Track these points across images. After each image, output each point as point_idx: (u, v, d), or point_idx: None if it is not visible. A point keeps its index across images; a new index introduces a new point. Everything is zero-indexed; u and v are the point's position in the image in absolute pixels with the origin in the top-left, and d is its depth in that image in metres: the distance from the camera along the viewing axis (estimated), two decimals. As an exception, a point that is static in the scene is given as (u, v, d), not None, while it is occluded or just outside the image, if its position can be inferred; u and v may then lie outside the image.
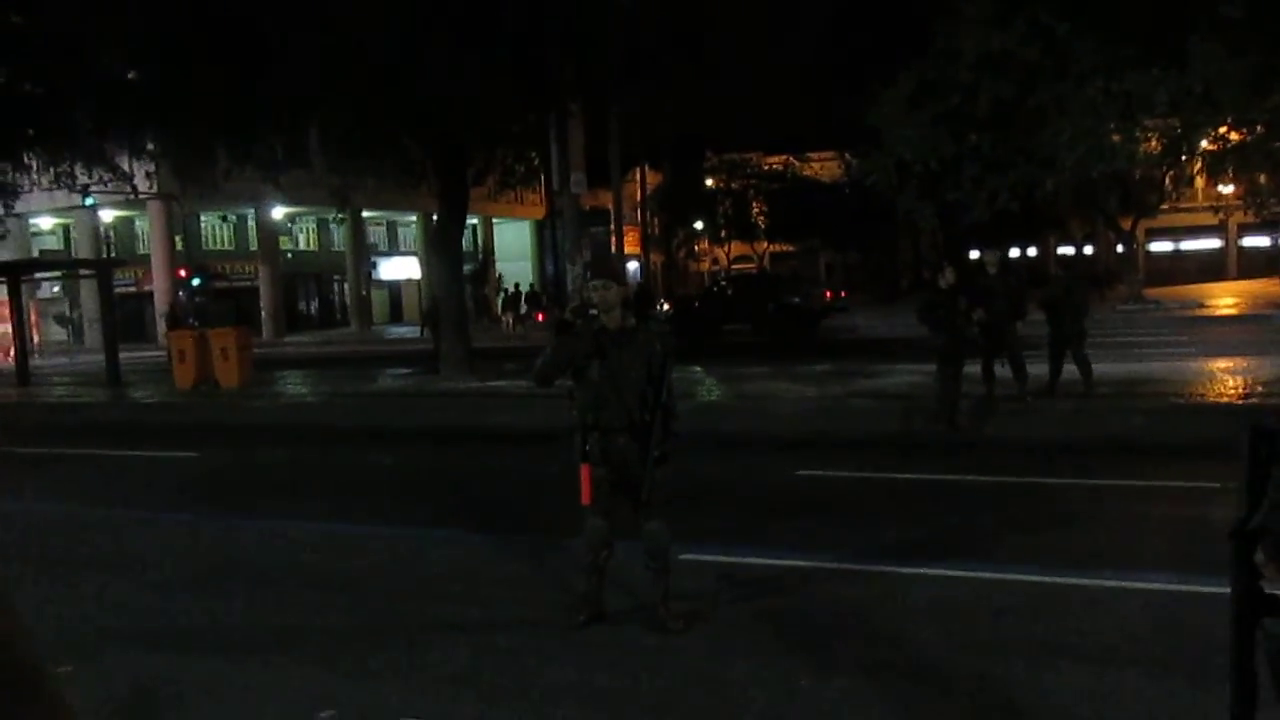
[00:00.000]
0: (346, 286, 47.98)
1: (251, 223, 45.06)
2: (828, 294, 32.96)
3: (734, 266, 56.45)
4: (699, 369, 18.55)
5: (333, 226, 47.24)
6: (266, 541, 7.63)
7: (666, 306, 36.15)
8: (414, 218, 48.78)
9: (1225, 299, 34.68)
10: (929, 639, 5.08)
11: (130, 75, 18.34)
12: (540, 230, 51.81)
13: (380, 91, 15.76)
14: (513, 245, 54.50)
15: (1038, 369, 12.54)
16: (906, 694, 4.44)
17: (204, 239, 45.51)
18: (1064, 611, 5.37)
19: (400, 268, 52.08)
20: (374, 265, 49.34)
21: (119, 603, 6.22)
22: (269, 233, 43.80)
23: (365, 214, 45.46)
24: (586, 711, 4.39)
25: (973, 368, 11.57)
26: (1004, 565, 6.16)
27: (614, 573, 5.50)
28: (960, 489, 8.59)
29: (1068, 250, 54.11)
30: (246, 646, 5.37)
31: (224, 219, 46.09)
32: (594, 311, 5.28)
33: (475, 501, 8.84)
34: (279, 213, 43.40)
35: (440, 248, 19.68)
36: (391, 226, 53.33)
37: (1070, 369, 12.46)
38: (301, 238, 50.60)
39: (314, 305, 50.72)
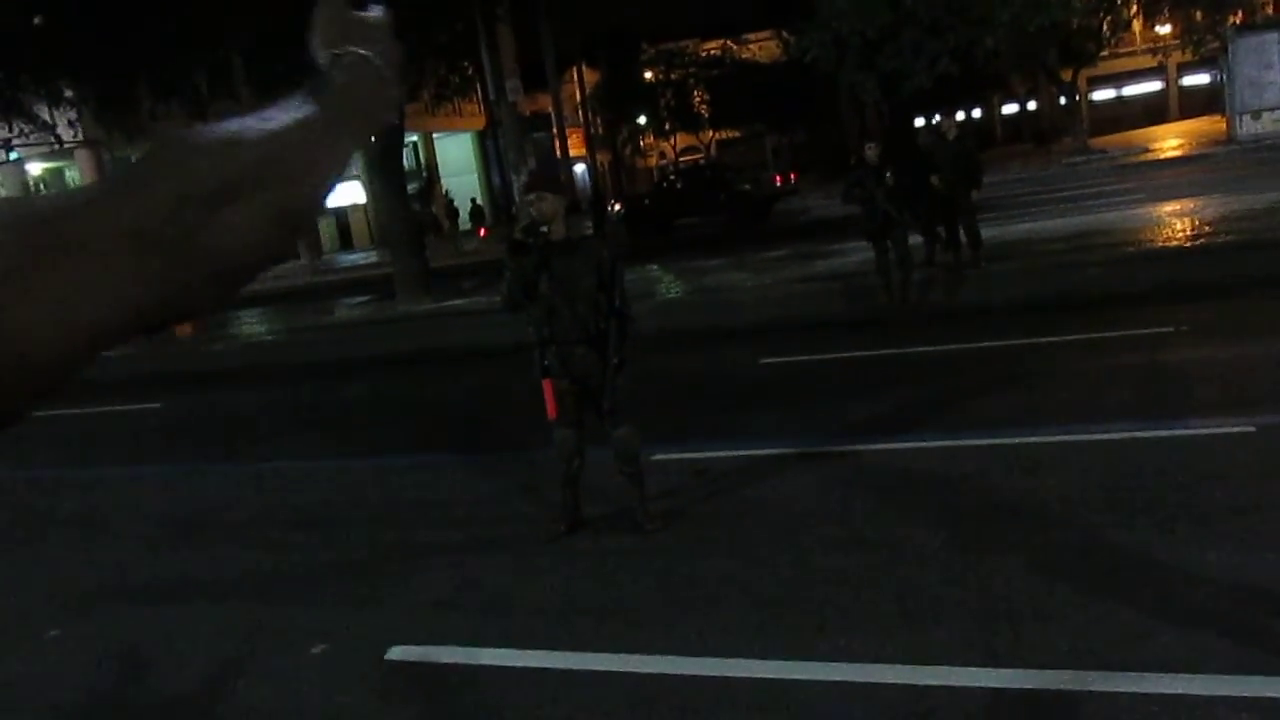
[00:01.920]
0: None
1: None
2: (777, 178, 32.75)
3: (682, 158, 55.86)
4: (655, 266, 18.51)
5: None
6: (240, 486, 7.61)
7: (618, 206, 35.85)
8: (351, 141, 47.61)
9: (1170, 141, 34.83)
10: (902, 511, 5.19)
11: (35, 20, 17.56)
12: (483, 142, 50.86)
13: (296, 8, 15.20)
14: (457, 159, 53.48)
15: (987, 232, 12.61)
16: (886, 570, 4.54)
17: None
18: (1030, 469, 5.50)
19: (344, 194, 50.94)
20: (317, 194, 48.31)
21: (101, 561, 6.21)
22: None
23: (301, 140, 44.35)
24: (573, 621, 4.48)
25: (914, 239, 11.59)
26: (967, 432, 6.27)
27: (590, 480, 5.55)
28: (921, 361, 8.69)
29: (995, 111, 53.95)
30: (232, 591, 5.40)
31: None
32: (544, 228, 5.22)
33: (444, 424, 8.85)
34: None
35: (380, 168, 19.27)
36: (330, 150, 52.02)
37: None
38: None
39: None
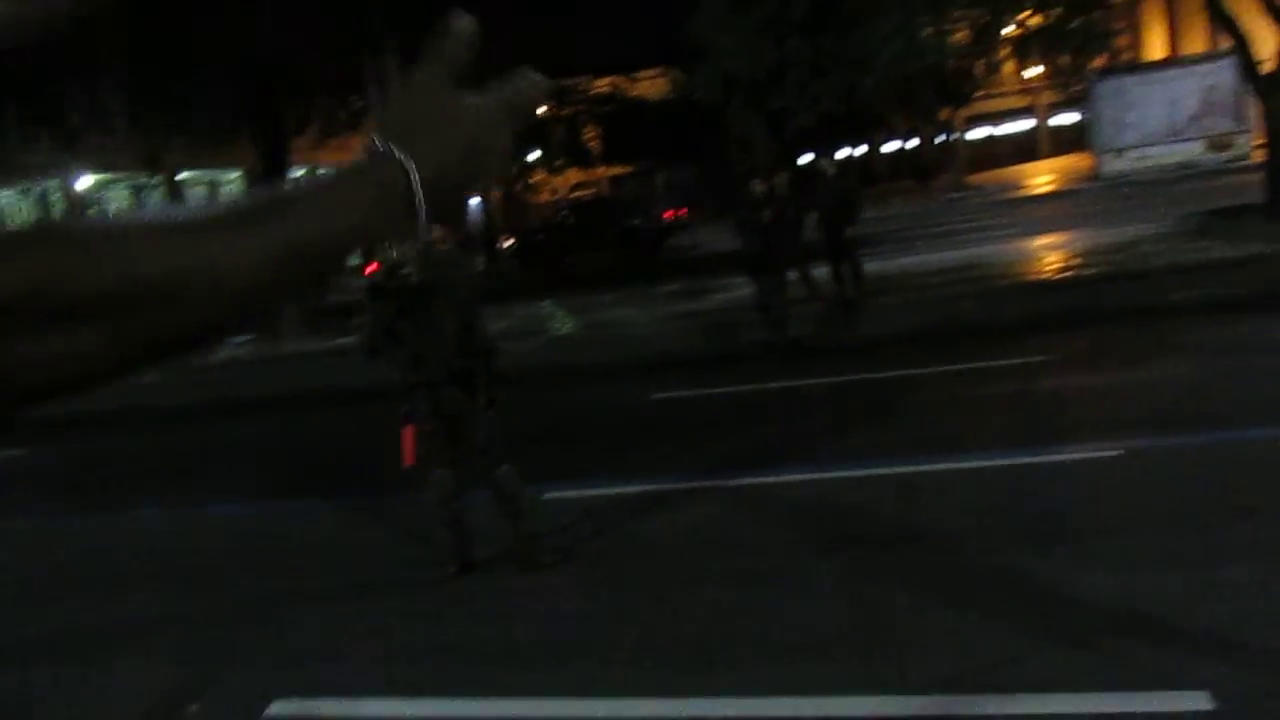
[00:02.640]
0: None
1: (58, 195, 42.22)
2: (668, 213, 33.12)
3: (573, 194, 56.08)
4: (548, 302, 18.47)
5: (148, 192, 44.63)
6: (114, 535, 7.28)
7: (510, 242, 35.74)
8: (237, 174, 46.57)
9: (1041, 178, 36.38)
10: (789, 543, 5.26)
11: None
12: (371, 177, 50.14)
13: (182, 36, 14.78)
14: (344, 195, 52.69)
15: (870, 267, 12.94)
16: (774, 603, 4.58)
17: (4, 218, 42.43)
18: (911, 498, 5.63)
19: (227, 230, 49.76)
20: (198, 230, 46.94)
21: (-44, 623, 5.86)
22: (77, 204, 41.12)
23: (182, 175, 43.15)
24: (462, 667, 4.39)
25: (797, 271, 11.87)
26: (850, 463, 6.39)
27: (477, 522, 5.48)
28: (806, 393, 8.84)
29: (881, 148, 55.69)
30: (102, 648, 5.15)
31: (25, 194, 43.02)
32: (406, 270, 5.14)
33: (329, 467, 8.63)
34: (86, 182, 40.74)
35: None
36: (213, 186, 50.71)
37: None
38: (114, 207, 47.69)
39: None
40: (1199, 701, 3.24)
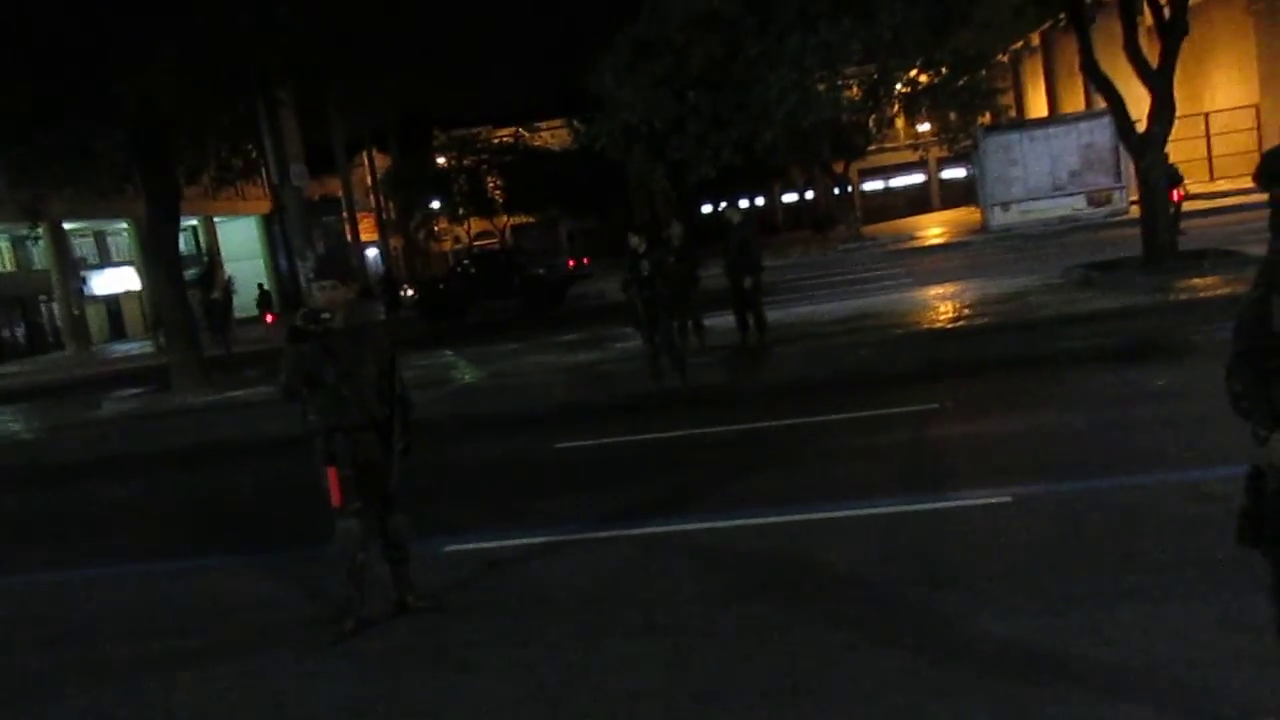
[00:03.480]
0: (55, 307, 43.94)
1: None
2: (570, 262, 33.26)
3: (476, 243, 55.96)
4: (449, 352, 18.31)
5: (29, 244, 43.03)
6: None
7: (411, 292, 35.40)
8: (125, 225, 45.28)
9: (933, 230, 37.58)
10: (691, 592, 5.26)
11: None
12: (269, 226, 49.28)
13: (59, 84, 14.32)
14: (241, 244, 51.62)
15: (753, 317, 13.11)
16: (675, 653, 4.56)
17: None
18: (808, 546, 5.69)
19: (115, 280, 48.17)
20: (84, 281, 45.38)
21: None
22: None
23: (67, 225, 41.72)
24: (357, 727, 4.26)
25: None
26: (749, 510, 6.44)
27: (375, 576, 5.37)
28: (707, 442, 8.90)
29: (740, 204, 56.94)
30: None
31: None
32: (326, 315, 5.13)
33: (222, 523, 8.36)
34: (-36, 234, 39.14)
35: (154, 254, 18.32)
36: (100, 236, 49.12)
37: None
38: (-6, 259, 45.77)
39: (19, 331, 46.10)
40: (1086, 744, 3.32)
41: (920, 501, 6.15)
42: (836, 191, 40.31)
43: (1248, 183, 13.32)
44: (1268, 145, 19.47)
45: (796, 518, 6.16)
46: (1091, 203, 29.93)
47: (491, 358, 16.88)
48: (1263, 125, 31.58)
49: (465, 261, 34.37)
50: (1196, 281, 13.30)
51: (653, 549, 6.05)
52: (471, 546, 6.49)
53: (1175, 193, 17.40)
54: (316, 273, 5.37)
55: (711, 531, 6.21)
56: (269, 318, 34.47)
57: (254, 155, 22.01)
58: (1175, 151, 16.60)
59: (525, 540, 6.49)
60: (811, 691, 3.99)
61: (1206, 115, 32.99)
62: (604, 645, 4.74)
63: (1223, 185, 28.51)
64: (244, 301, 37.53)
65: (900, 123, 43.45)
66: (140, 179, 17.69)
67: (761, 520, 6.23)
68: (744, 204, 44.01)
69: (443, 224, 56.93)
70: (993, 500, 5.96)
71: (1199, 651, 3.86)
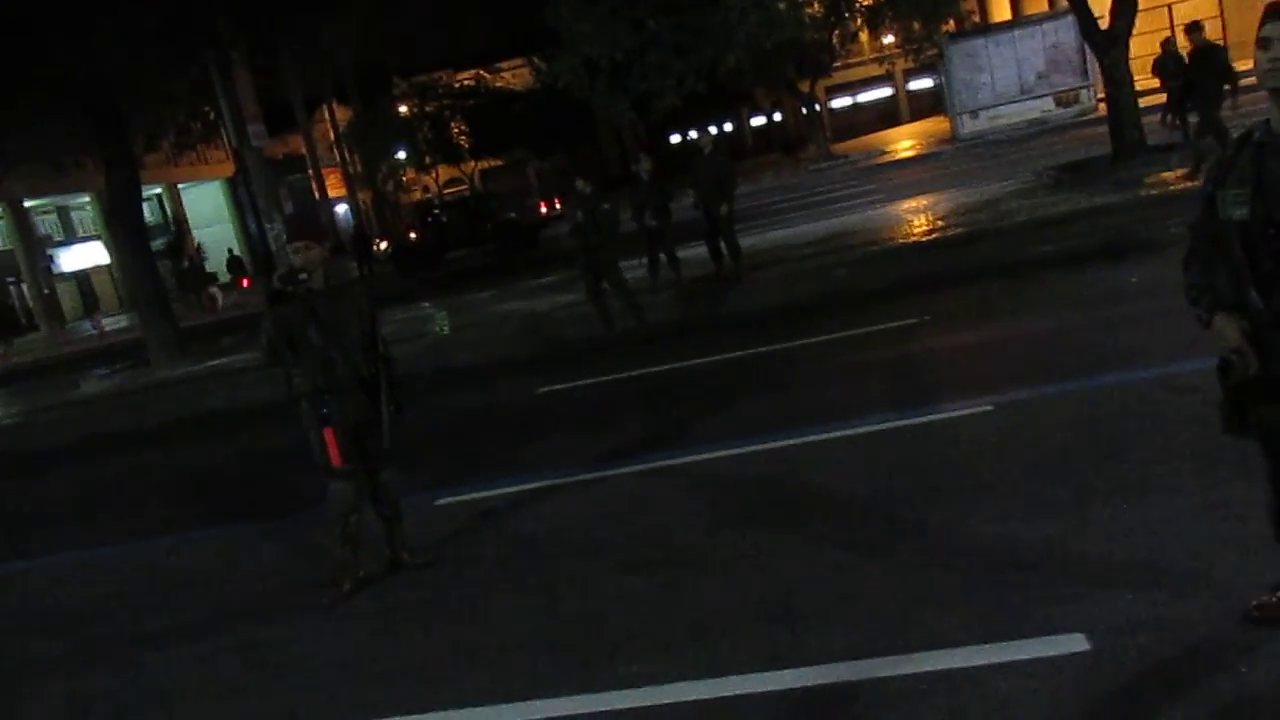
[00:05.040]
0: (25, 287, 43.40)
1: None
2: (541, 204, 33.00)
3: (446, 191, 55.33)
4: (426, 304, 18.23)
5: (-9, 223, 42.36)
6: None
7: (384, 245, 35.10)
8: (87, 199, 44.56)
9: (903, 143, 37.38)
10: (682, 525, 5.30)
11: None
12: (234, 189, 48.53)
13: (3, 60, 13.98)
14: (208, 210, 50.91)
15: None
16: (670, 588, 4.61)
17: None
18: (796, 470, 5.73)
19: (84, 256, 47.53)
20: (51, 259, 44.79)
21: None
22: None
23: (28, 203, 41.06)
24: (363, 687, 4.30)
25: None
26: (736, 439, 6.47)
27: (368, 535, 5.39)
28: (690, 375, 8.90)
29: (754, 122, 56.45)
30: (-23, 711, 4.89)
31: None
32: (304, 275, 5.08)
33: (211, 496, 8.35)
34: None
35: (118, 226, 18.06)
36: (63, 212, 48.34)
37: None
38: (-46, 240, 45.06)
39: (-10, 314, 45.53)
40: (1077, 643, 3.39)
41: (904, 417, 6.19)
42: (804, 111, 39.94)
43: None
44: (1232, 37, 19.36)
45: (783, 443, 6.20)
46: (1059, 104, 29.80)
47: (468, 306, 16.81)
48: (1226, 15, 31.36)
49: (435, 211, 34.07)
50: (1166, 176, 13.30)
51: (643, 486, 6.08)
52: (462, 498, 6.51)
53: (1174, 83, 17.33)
54: (290, 234, 5.31)
55: (699, 463, 6.24)
56: (244, 282, 34.22)
57: (212, 118, 21.64)
58: (1139, 46, 16.47)
59: (515, 488, 6.51)
60: (806, 613, 4.04)
61: (1170, 7, 32.71)
62: (600, 585, 4.78)
63: (1189, 76, 28.34)
64: (215, 268, 37.19)
65: (864, 37, 42.88)
66: (97, 150, 17.38)
67: (749, 448, 6.26)
68: (712, 130, 43.66)
69: (410, 174, 56.24)
70: (975, 410, 6.01)
71: (1183, 541, 3.92)
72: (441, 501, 6.53)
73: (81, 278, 48.39)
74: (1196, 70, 12.54)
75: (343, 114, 48.16)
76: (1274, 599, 3.30)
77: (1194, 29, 12.77)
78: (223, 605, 5.61)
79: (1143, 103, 16.10)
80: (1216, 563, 3.72)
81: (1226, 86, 12.32)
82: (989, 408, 6.00)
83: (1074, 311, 8.04)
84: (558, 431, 7.90)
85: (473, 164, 54.65)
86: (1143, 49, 17.06)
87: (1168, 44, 15.48)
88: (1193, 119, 13.50)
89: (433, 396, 9.66)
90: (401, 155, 52.76)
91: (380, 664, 4.48)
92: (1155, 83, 16.13)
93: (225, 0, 15.54)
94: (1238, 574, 3.58)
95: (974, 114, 30.33)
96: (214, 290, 33.57)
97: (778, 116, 57.02)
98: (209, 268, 37.73)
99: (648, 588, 4.64)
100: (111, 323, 35.15)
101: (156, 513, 8.04)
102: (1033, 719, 3.08)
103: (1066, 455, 5.07)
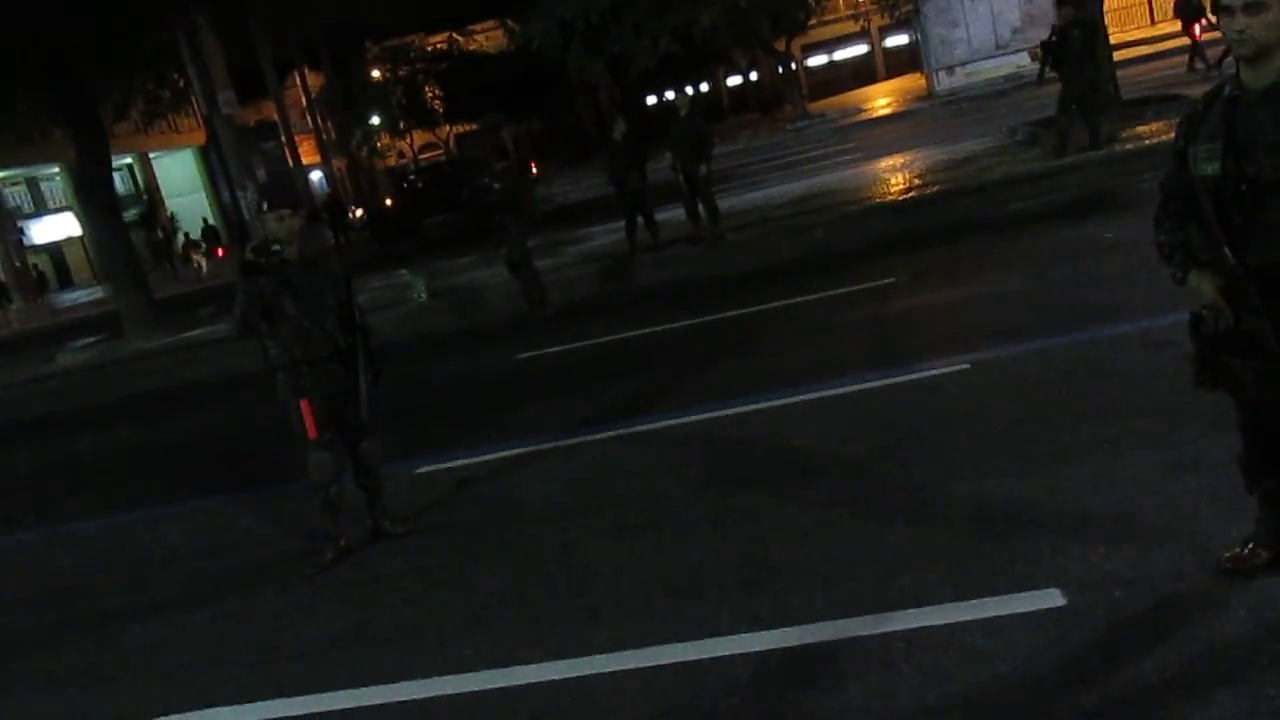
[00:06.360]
0: (-4, 259, 42.83)
1: None
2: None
3: (421, 156, 54.82)
4: (404, 272, 18.13)
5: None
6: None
7: (360, 212, 34.81)
8: (56, 169, 43.91)
9: (880, 100, 37.27)
10: (661, 490, 5.32)
11: None
12: (207, 158, 47.91)
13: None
14: (180, 179, 50.28)
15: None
16: (650, 552, 4.64)
17: None
18: (776, 432, 5.75)
19: (55, 227, 46.87)
20: (22, 231, 44.20)
21: None
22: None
23: (-3, 175, 40.50)
24: (347, 657, 4.31)
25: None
26: (715, 403, 6.49)
27: (351, 504, 5.39)
28: (667, 339, 8.89)
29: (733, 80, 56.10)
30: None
31: None
32: (277, 246, 5.04)
33: (190, 468, 8.31)
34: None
35: (89, 197, 17.83)
36: (32, 184, 47.61)
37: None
38: (-76, 214, 44.37)
39: (-39, 288, 44.95)
40: (1053, 599, 3.43)
41: (881, 377, 6.22)
42: (781, 70, 39.72)
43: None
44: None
45: (762, 405, 6.21)
46: (1035, 59, 29.69)
47: (446, 273, 16.71)
48: (1201, -37, 31.25)
49: (411, 177, 33.76)
50: (1140, 130, 13.32)
51: (623, 450, 6.10)
52: (444, 466, 6.51)
53: (1196, 26, 17.37)
54: (268, 203, 5.23)
55: (679, 427, 6.25)
56: (219, 251, 33.98)
57: (181, 85, 21.30)
58: (1113, -1, 16.49)
59: (497, 455, 6.51)
60: (781, 575, 4.07)
61: (1144, -41, 32.63)
62: (582, 551, 4.81)
63: (1163, 28, 28.34)
64: (192, 236, 36.87)
65: (839, -8, 42.63)
66: (65, 120, 17.11)
67: (728, 411, 6.28)
68: (690, 91, 43.36)
69: (385, 140, 55.68)
70: (952, 369, 6.04)
71: (1157, 495, 3.97)
72: (422, 470, 6.53)
73: (54, 250, 47.80)
74: (1061, 47, 12.48)
75: (315, 79, 47.50)
76: (1246, 550, 3.35)
77: (1065, 2, 12.72)
78: (205, 577, 5.61)
79: (1118, 56, 16.10)
80: (1190, 516, 3.76)
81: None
82: (966, 366, 6.03)
83: (1050, 268, 8.07)
84: (537, 397, 7.90)
85: (448, 129, 54.14)
86: (1116, 0, 17.03)
87: None
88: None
89: (412, 364, 9.63)
90: (375, 121, 52.21)
91: (363, 632, 4.50)
92: (1129, 35, 16.15)
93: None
94: (1211, 526, 3.63)
95: (950, 70, 30.26)
96: (198, 258, 33.60)
97: (754, 76, 56.74)
98: (184, 236, 37.43)
99: (628, 552, 4.66)
100: (87, 294, 34.83)
101: (135, 486, 8.01)
102: (1011, 674, 3.12)
103: (1042, 412, 5.11)
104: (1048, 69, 12.86)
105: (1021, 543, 3.85)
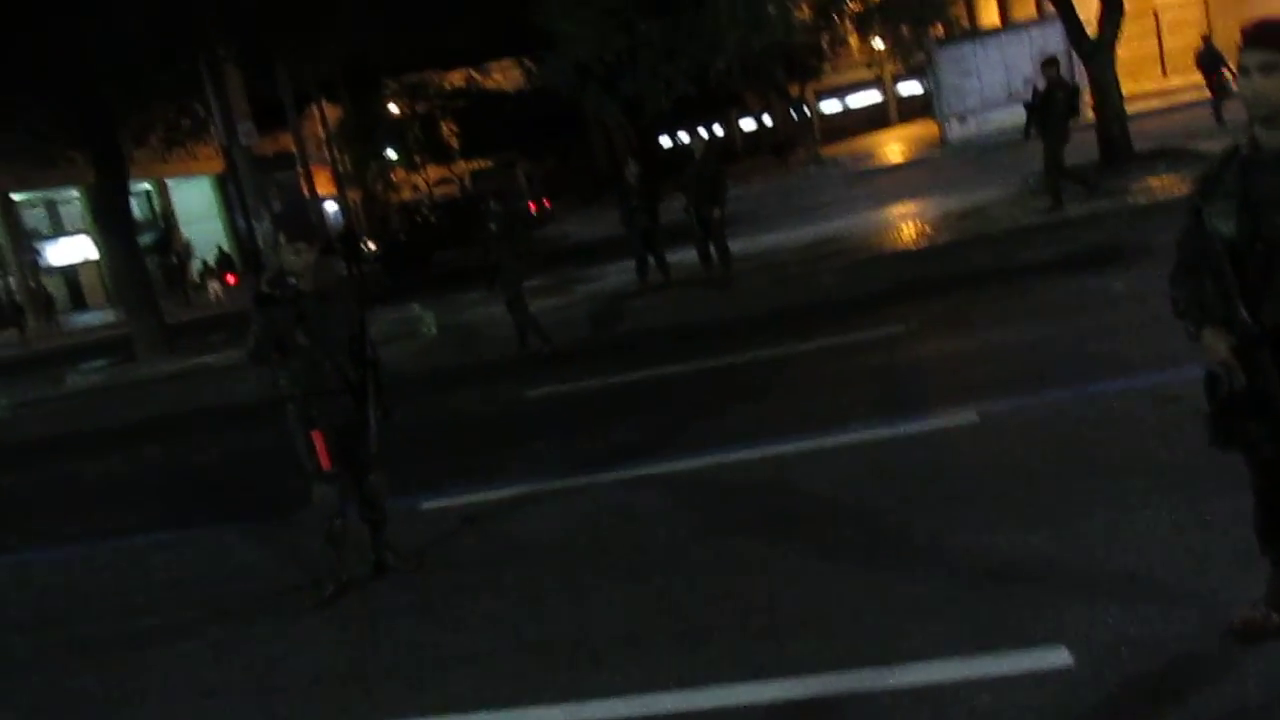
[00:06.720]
0: (12, 281, 43.13)
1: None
2: (532, 206, 32.95)
3: (435, 190, 55.19)
4: (416, 305, 18.16)
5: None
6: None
7: (373, 245, 35.02)
8: (75, 193, 44.26)
9: (892, 147, 37.45)
10: (667, 534, 5.28)
11: None
12: (224, 186, 48.34)
13: None
14: (197, 206, 50.67)
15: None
16: (655, 597, 4.60)
17: None
18: (783, 480, 5.72)
19: (71, 250, 47.21)
20: (39, 252, 44.53)
21: None
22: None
23: (16, 197, 40.85)
24: (344, 691, 4.28)
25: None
26: (723, 447, 6.44)
27: (354, 537, 5.37)
28: (677, 381, 8.86)
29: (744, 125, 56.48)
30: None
31: None
32: (292, 279, 5.07)
33: (196, 494, 8.30)
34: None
35: (106, 221, 17.98)
36: (51, 206, 48.03)
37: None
38: (-56, 233, 44.77)
39: (-25, 306, 45.24)
40: (1061, 658, 3.38)
41: (890, 427, 6.18)
42: (794, 115, 40.00)
43: (1200, 78, 13.33)
44: (1219, 41, 19.53)
45: (770, 451, 6.18)
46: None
47: (457, 307, 16.75)
48: (1212, 18, 31.48)
49: (425, 211, 33.97)
50: (1153, 183, 13.35)
51: (630, 493, 6.06)
52: (449, 502, 6.49)
53: (1219, 74, 17.59)
54: (286, 235, 5.26)
55: (685, 471, 6.22)
56: (230, 278, 34.24)
57: (201, 115, 21.52)
58: (1126, 50, 16.57)
59: (503, 492, 6.49)
60: (791, 624, 4.03)
61: (1155, 12, 32.87)
62: (587, 593, 4.77)
63: (1175, 82, 28.50)
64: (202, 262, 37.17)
65: (853, 41, 43.02)
66: (86, 145, 17.29)
67: (736, 456, 6.25)
68: (704, 133, 43.65)
69: (400, 173, 56.10)
70: (961, 421, 6.01)
71: (1168, 555, 3.93)
72: (427, 505, 6.50)
73: (69, 272, 48.11)
74: (1044, 109, 12.69)
75: (332, 112, 47.95)
76: (1258, 613, 3.31)
77: (1049, 64, 12.95)
78: (206, 605, 5.58)
79: (1131, 108, 16.18)
80: (1201, 576, 3.72)
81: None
82: (975, 417, 6.00)
83: (1060, 319, 8.05)
84: (545, 436, 7.88)
85: (462, 164, 54.55)
86: (1127, 54, 17.16)
87: (1208, 39, 15.57)
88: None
89: (420, 398, 9.63)
90: (391, 154, 52.65)
91: (360, 668, 4.46)
92: (1143, 87, 16.26)
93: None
94: (1222, 588, 3.58)
95: (962, 118, 30.37)
96: (215, 284, 34.05)
97: (767, 119, 57.08)
98: (196, 263, 37.71)
99: (631, 596, 4.63)
100: (99, 317, 35.02)
101: (140, 510, 8.00)
102: (1016, 733, 3.08)
103: (1052, 466, 5.08)
104: (1032, 130, 13.08)
105: (1029, 599, 3.81)
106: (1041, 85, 12.92)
